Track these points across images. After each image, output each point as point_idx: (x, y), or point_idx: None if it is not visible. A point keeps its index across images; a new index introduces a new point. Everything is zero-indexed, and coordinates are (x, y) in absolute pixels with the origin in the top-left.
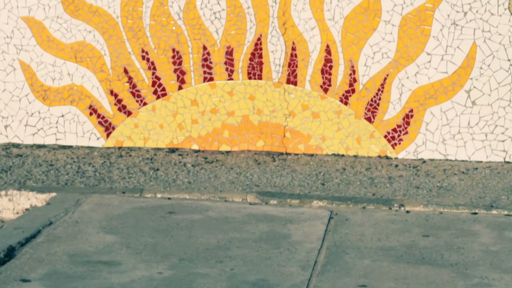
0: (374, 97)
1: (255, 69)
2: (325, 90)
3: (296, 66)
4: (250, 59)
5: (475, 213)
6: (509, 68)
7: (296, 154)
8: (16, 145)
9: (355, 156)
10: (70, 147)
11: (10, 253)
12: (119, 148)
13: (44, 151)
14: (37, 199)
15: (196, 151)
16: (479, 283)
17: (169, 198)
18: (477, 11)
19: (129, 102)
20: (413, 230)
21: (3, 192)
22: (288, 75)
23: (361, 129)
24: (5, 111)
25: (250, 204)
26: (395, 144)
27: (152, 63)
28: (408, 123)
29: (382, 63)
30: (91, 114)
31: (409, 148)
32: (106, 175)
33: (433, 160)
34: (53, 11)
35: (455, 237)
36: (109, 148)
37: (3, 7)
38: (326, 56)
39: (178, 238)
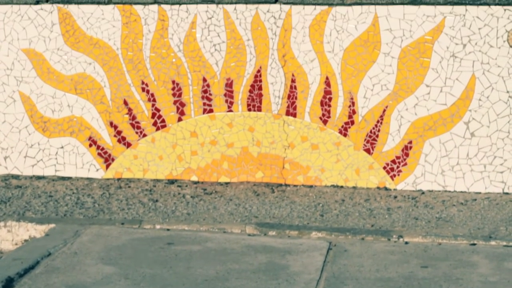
0: (373, 128)
1: (255, 101)
2: (325, 122)
3: (296, 98)
4: (250, 91)
5: (474, 244)
6: (508, 100)
7: (295, 185)
8: (16, 176)
9: (354, 187)
10: (69, 178)
11: (9, 284)
12: (119, 179)
13: (44, 182)
14: (36, 230)
15: (196, 183)
16: None
17: (168, 229)
18: (476, 44)
19: (129, 133)
20: (411, 261)
21: (2, 223)
22: (288, 106)
23: (360, 160)
24: (5, 142)
25: (249, 235)
26: (394, 175)
27: (152, 94)
28: (407, 155)
29: (381, 95)
30: (90, 145)
31: (408, 180)
32: (105, 206)
33: (432, 191)
34: (54, 43)
35: (454, 268)
36: (108, 179)
37: (4, 39)
38: (325, 88)
39: (177, 269)
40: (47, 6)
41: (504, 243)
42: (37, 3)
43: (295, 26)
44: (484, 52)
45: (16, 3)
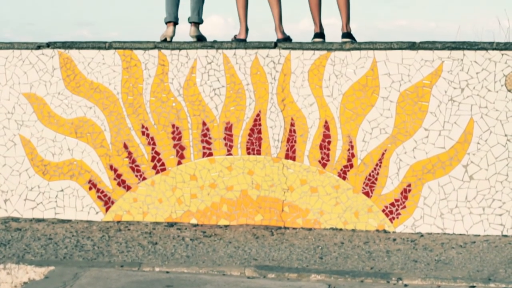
0: (372, 172)
1: (254, 145)
2: (324, 165)
3: (295, 142)
4: (249, 135)
5: (473, 287)
6: (506, 143)
7: (294, 228)
8: (15, 219)
9: (353, 230)
10: (69, 221)
11: None
12: (118, 222)
13: (43, 225)
14: (36, 273)
15: (195, 225)
16: None
17: (167, 272)
18: (474, 88)
19: (129, 177)
20: None
21: (1, 266)
22: (287, 150)
23: (359, 203)
24: (5, 185)
25: (248, 278)
26: (393, 218)
27: (152, 138)
28: (406, 198)
29: (380, 139)
30: (90, 188)
31: (407, 222)
32: (104, 249)
33: (431, 234)
34: (55, 88)
35: None
36: (108, 222)
37: (5, 83)
38: (324, 131)
39: None
40: (48, 51)
41: (504, 286)
42: (38, 48)
43: (294, 71)
44: (482, 96)
45: (18, 48)
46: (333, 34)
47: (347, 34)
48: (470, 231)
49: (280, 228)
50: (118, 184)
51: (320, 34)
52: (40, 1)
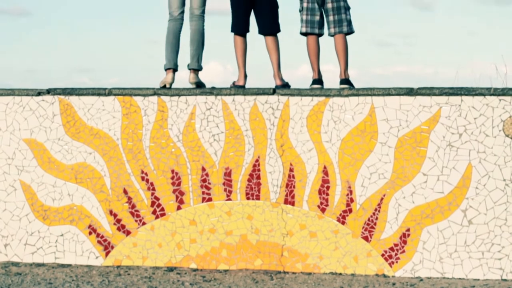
0: (371, 216)
1: (253, 190)
2: (323, 210)
3: (294, 187)
4: (248, 180)
5: None
6: (505, 188)
7: (293, 273)
8: (16, 264)
9: (353, 275)
10: (69, 265)
11: None
12: (118, 266)
13: (43, 269)
14: None
15: (195, 270)
16: None
17: None
18: (472, 133)
19: (128, 221)
20: None
21: None
22: (286, 195)
23: (358, 248)
24: (5, 230)
25: None
26: (392, 262)
27: (152, 183)
28: (405, 242)
29: (378, 184)
30: (90, 233)
31: (406, 267)
32: None
33: (430, 278)
34: (55, 133)
35: None
36: (107, 266)
37: (5, 129)
38: (323, 177)
39: None
40: (48, 98)
41: None
42: (38, 94)
43: (293, 117)
44: (480, 141)
45: (18, 95)
46: (331, 80)
47: (346, 81)
48: (469, 275)
49: (279, 272)
50: (118, 229)
51: (318, 80)
52: (40, 48)
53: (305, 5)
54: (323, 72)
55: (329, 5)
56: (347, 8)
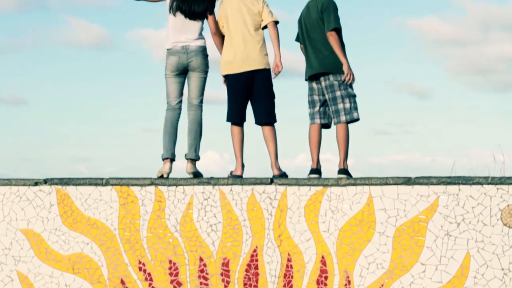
0: None
1: (251, 280)
2: None
3: (292, 277)
4: (246, 270)
5: None
6: (503, 277)
7: None
8: None
9: None
10: None
11: None
12: None
13: None
14: None
15: None
16: None
17: None
18: (470, 222)
19: None
20: None
21: None
22: (284, 285)
23: None
24: None
25: None
26: None
27: (149, 274)
28: None
29: (377, 274)
30: None
31: None
32: None
33: None
34: (52, 224)
35: None
36: None
37: (2, 219)
38: (321, 266)
39: None
40: (45, 188)
41: None
42: (35, 184)
43: (291, 207)
44: (478, 230)
45: (15, 185)
46: (328, 169)
47: (343, 171)
48: None
49: None
50: None
51: (316, 170)
52: (36, 138)
53: (308, 98)
54: (321, 161)
55: (327, 96)
56: (346, 96)
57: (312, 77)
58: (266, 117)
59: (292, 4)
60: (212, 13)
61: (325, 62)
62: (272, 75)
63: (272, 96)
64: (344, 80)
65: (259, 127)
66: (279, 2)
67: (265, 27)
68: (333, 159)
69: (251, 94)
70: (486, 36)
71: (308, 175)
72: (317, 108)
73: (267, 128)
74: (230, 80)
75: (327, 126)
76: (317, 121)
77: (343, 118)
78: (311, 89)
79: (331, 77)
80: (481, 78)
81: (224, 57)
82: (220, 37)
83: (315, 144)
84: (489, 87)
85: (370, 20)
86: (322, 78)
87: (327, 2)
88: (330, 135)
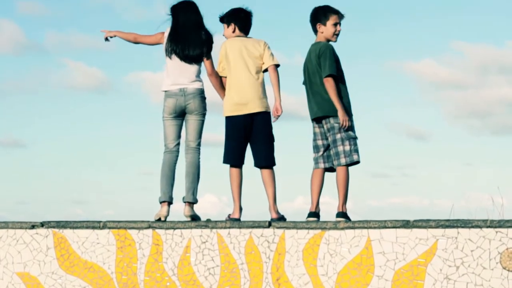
0: None
1: None
2: None
3: None
4: None
5: None
6: None
7: None
8: None
9: None
10: None
11: None
12: None
13: None
14: None
15: None
16: None
17: None
18: (469, 266)
19: None
20: None
21: None
22: None
23: None
24: None
25: None
26: None
27: None
28: None
29: None
30: None
31: None
32: None
33: None
34: (48, 267)
35: None
36: None
37: None
38: None
39: None
40: (42, 231)
41: None
42: (32, 227)
43: (289, 250)
44: (477, 274)
45: (12, 228)
46: (327, 212)
47: (342, 214)
48: None
49: None
50: None
51: (315, 213)
52: (32, 180)
53: (312, 143)
54: (319, 204)
55: (329, 139)
56: (346, 139)
57: (315, 120)
58: (265, 160)
59: (293, 48)
60: (209, 57)
61: (324, 106)
62: (272, 118)
63: (271, 139)
64: (342, 124)
65: (257, 169)
66: (279, 46)
67: (266, 69)
68: (331, 202)
69: (250, 136)
70: (484, 79)
71: (307, 218)
72: (321, 153)
73: (266, 171)
74: (230, 121)
75: (332, 169)
76: (321, 165)
77: (343, 160)
78: (315, 134)
79: (331, 120)
80: (479, 121)
81: (226, 99)
82: (217, 78)
83: (317, 188)
84: (487, 129)
85: (368, 62)
86: (323, 121)
87: (324, 47)
88: (330, 179)
